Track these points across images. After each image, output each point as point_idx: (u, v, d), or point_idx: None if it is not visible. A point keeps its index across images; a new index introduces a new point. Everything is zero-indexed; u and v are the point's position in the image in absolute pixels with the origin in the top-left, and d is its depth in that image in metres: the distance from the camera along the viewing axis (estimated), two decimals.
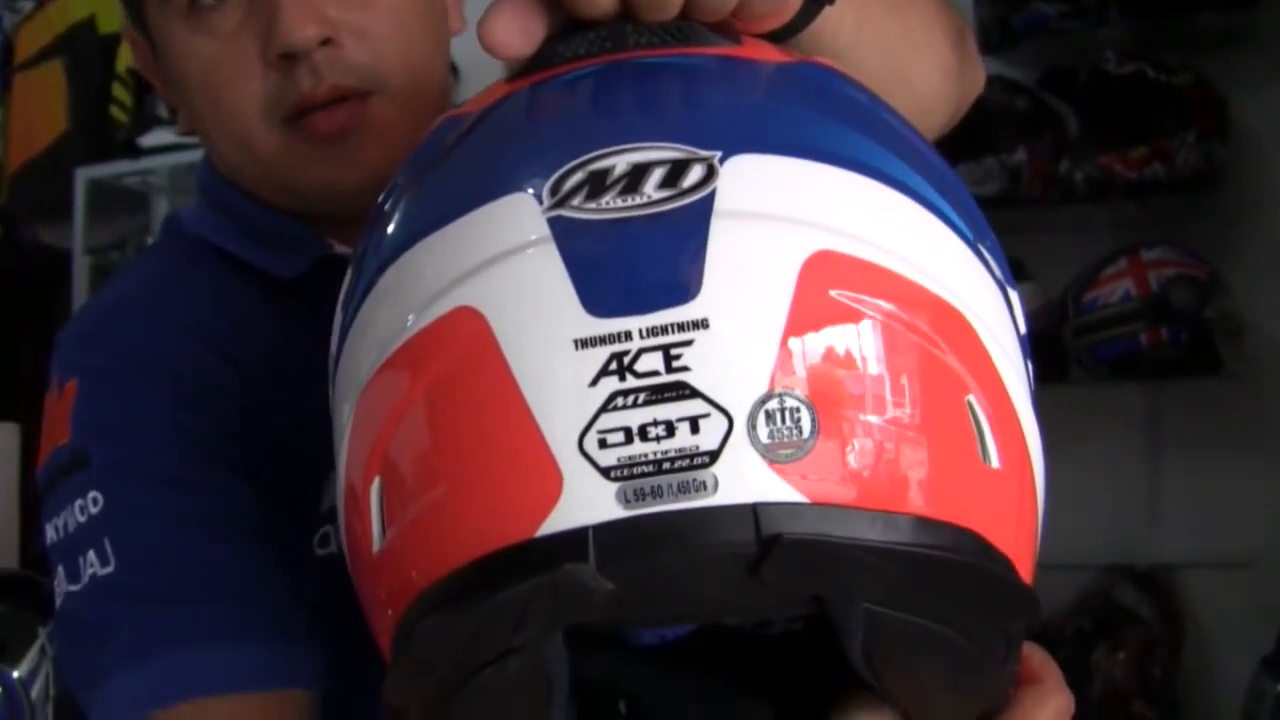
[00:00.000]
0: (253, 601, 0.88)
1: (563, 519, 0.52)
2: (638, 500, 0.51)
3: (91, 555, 0.89)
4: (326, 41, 0.92)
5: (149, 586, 0.88)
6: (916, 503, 0.54)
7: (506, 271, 0.55)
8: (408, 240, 0.60)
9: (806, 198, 0.56)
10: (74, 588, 0.90)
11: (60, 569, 0.91)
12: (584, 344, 0.52)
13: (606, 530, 0.51)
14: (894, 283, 0.56)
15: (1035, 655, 0.68)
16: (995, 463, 0.57)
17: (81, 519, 0.90)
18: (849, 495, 0.52)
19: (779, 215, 0.55)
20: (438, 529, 0.55)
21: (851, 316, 0.54)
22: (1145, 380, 2.66)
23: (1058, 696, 0.67)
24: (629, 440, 0.51)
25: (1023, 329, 0.63)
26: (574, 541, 0.51)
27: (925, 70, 0.86)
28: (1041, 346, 0.63)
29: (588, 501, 0.51)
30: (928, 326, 0.56)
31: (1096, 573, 2.70)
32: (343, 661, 0.89)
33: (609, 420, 0.51)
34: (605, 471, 0.51)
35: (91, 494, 0.90)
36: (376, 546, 0.58)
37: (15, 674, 1.31)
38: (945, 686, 0.61)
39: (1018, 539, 0.58)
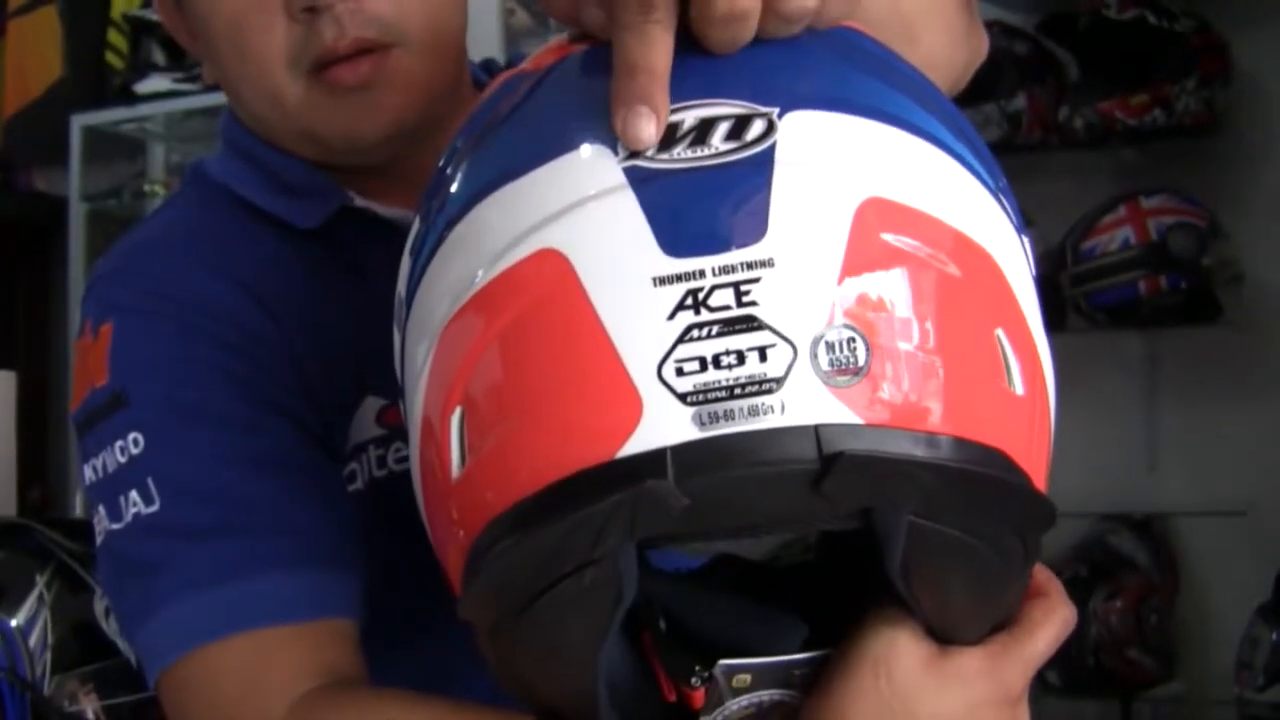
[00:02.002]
0: (299, 533, 0.91)
1: (643, 440, 0.57)
2: (712, 422, 0.56)
3: (134, 494, 0.91)
4: None
5: (194, 522, 0.90)
6: (954, 425, 0.59)
7: (587, 216, 0.60)
8: (482, 191, 0.64)
9: (856, 149, 0.62)
10: (116, 526, 0.92)
11: (101, 508, 0.93)
12: (662, 281, 0.58)
13: (684, 450, 0.56)
14: (934, 227, 0.61)
15: (1041, 572, 0.74)
16: (1020, 390, 0.63)
17: (122, 459, 0.92)
18: (898, 417, 0.58)
19: (833, 165, 0.61)
20: (523, 453, 0.59)
21: (899, 257, 0.60)
22: (1144, 328, 2.67)
23: (1063, 609, 0.73)
24: (703, 368, 0.56)
25: (1033, 270, 0.69)
26: (654, 460, 0.56)
27: (931, 28, 0.88)
28: (1039, 293, 0.66)
29: (666, 424, 0.56)
30: (964, 267, 0.62)
31: (1094, 520, 2.70)
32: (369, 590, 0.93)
33: (685, 350, 0.57)
34: (682, 397, 0.56)
35: (132, 434, 0.92)
36: (455, 473, 0.62)
37: (13, 622, 1.31)
38: (969, 595, 0.67)
39: (1036, 459, 0.64)
